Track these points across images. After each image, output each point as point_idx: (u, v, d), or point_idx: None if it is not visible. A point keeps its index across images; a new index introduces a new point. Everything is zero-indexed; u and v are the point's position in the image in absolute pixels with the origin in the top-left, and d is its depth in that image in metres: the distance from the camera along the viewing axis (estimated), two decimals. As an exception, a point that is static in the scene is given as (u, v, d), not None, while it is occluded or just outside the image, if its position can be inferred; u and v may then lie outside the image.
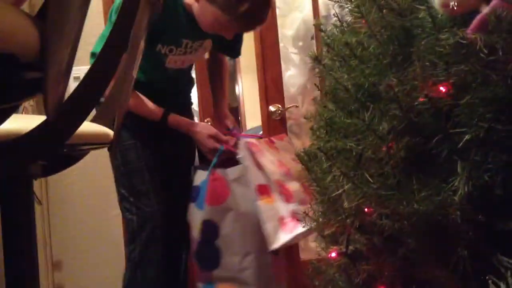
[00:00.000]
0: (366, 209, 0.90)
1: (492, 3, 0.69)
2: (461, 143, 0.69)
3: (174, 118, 1.60)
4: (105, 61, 0.82)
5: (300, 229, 1.35)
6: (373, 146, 0.83)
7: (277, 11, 2.41)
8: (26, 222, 0.95)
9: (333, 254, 0.96)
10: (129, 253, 1.57)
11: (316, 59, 1.04)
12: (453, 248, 0.75)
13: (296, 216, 1.44)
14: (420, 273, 0.83)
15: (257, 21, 1.44)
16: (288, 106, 2.44)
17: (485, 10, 0.69)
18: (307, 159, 1.07)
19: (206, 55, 1.87)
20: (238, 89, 5.62)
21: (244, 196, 1.57)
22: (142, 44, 1.03)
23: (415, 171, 0.76)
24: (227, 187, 1.59)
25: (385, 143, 0.80)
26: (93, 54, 1.53)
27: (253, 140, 1.64)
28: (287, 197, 1.53)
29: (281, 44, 2.41)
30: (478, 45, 0.66)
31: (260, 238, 1.49)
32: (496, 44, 0.66)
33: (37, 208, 2.08)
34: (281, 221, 1.46)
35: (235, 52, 1.80)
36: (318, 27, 1.04)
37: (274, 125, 2.41)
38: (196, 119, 2.31)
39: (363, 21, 0.97)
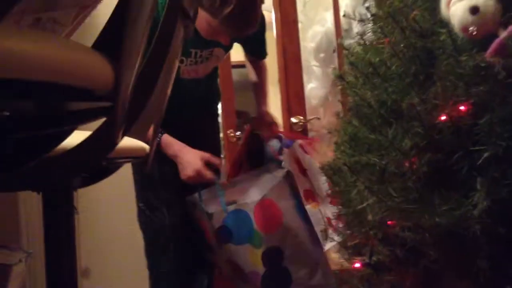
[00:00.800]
0: (389, 222, 0.94)
1: (509, 28, 0.73)
2: (480, 160, 0.73)
3: (167, 139, 1.55)
4: (144, 80, 0.88)
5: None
6: (396, 162, 0.87)
7: (299, 25, 2.46)
8: (67, 232, 1.01)
9: (357, 265, 1.00)
10: (147, 263, 1.63)
11: (340, 77, 1.09)
12: (473, 260, 0.79)
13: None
14: (441, 284, 0.86)
15: (245, 24, 1.43)
16: (310, 117, 2.48)
17: (503, 34, 0.73)
18: (331, 172, 1.11)
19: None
20: (258, 100, 5.67)
21: (290, 209, 1.55)
22: (176, 63, 1.09)
23: (436, 186, 0.80)
24: (278, 209, 1.54)
25: (408, 159, 0.84)
26: None
27: (299, 141, 1.69)
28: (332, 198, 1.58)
29: (302, 57, 2.46)
30: (496, 68, 0.69)
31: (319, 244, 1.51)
32: (513, 67, 0.70)
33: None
34: (329, 222, 1.51)
35: (259, 53, 1.83)
36: (341, 45, 1.08)
37: (296, 137, 2.45)
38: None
39: (386, 41, 1.01)
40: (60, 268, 1.08)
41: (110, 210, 2.35)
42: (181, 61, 1.58)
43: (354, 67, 1.05)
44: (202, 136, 1.74)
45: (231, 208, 1.53)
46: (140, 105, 0.91)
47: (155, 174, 1.59)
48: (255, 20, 1.44)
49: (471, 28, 0.75)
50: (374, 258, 1.00)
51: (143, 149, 1.06)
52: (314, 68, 2.78)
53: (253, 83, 1.93)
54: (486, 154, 0.73)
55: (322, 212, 1.54)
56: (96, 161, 0.92)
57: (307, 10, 2.62)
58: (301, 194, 1.56)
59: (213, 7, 1.37)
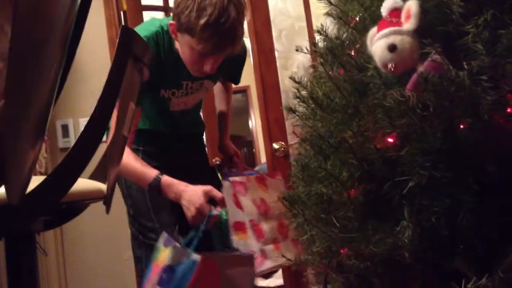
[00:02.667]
0: (341, 251, 0.97)
1: (425, 64, 0.77)
2: (405, 189, 0.77)
3: (166, 180, 1.51)
4: (96, 123, 0.93)
5: (267, 264, 1.43)
6: (337, 192, 0.91)
7: (276, 53, 2.52)
8: (30, 274, 1.04)
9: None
10: None
11: (291, 109, 1.13)
12: (411, 286, 0.81)
13: (264, 254, 1.50)
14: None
15: (224, 35, 1.40)
16: (292, 143, 2.52)
17: (419, 69, 0.77)
18: (288, 204, 1.14)
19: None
20: (251, 124, 5.74)
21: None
22: (132, 106, 1.14)
23: (371, 215, 0.84)
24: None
25: (346, 189, 0.88)
26: None
27: (239, 179, 1.68)
28: (258, 235, 1.59)
29: (285, 82, 2.51)
30: (411, 102, 0.74)
31: None
32: (427, 101, 0.74)
33: (53, 261, 2.19)
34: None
35: (235, 78, 1.91)
36: (293, 79, 1.12)
37: (279, 162, 2.49)
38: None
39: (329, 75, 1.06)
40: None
41: (95, 245, 2.37)
42: (173, 93, 1.62)
43: (301, 101, 1.09)
44: (195, 168, 1.78)
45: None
46: (93, 148, 0.96)
47: (146, 200, 1.61)
48: (234, 32, 1.42)
49: (389, 65, 0.79)
50: (329, 286, 1.03)
51: (100, 191, 1.10)
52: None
53: (219, 112, 1.99)
54: (410, 184, 0.76)
55: (249, 244, 1.53)
56: (49, 207, 0.96)
57: (282, 39, 2.69)
58: (232, 225, 1.51)
59: (190, 21, 1.39)
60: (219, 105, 2.04)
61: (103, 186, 1.13)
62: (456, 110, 0.74)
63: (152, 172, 1.50)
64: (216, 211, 1.48)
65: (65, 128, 2.25)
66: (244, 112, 5.73)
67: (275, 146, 2.48)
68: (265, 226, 1.61)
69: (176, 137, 1.74)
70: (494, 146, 0.73)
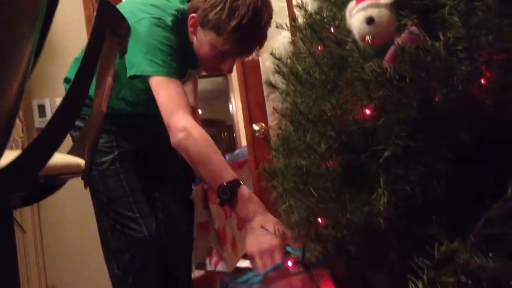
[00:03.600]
0: (320, 220, 0.99)
1: (402, 36, 0.79)
2: (382, 159, 0.78)
3: (245, 192, 1.23)
4: (73, 98, 0.92)
5: (221, 266, 1.42)
6: (316, 164, 0.92)
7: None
8: (8, 250, 1.03)
9: (290, 263, 1.05)
10: (119, 284, 1.54)
11: (271, 85, 1.14)
12: (386, 254, 0.84)
13: (221, 255, 1.48)
14: (364, 278, 0.91)
15: (250, 39, 1.33)
16: (271, 124, 2.53)
17: (397, 41, 0.79)
18: (268, 177, 1.15)
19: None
20: (231, 108, 5.72)
21: None
22: (110, 80, 1.13)
23: (349, 185, 0.85)
24: None
25: (324, 161, 0.89)
26: (66, 80, 1.60)
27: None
28: (221, 242, 1.56)
29: (266, 64, 2.51)
30: (389, 73, 0.75)
31: None
32: (404, 72, 0.75)
33: (31, 238, 2.17)
34: (210, 251, 1.51)
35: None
36: (273, 55, 1.13)
37: (259, 143, 2.51)
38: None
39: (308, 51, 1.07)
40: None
41: (74, 225, 2.36)
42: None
43: (281, 76, 1.10)
44: (170, 158, 1.73)
45: None
46: (70, 121, 0.95)
47: (123, 185, 1.54)
48: (263, 36, 1.35)
49: (367, 38, 0.81)
50: (307, 255, 1.05)
51: (79, 165, 1.10)
52: (277, 76, 2.85)
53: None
54: (386, 153, 0.78)
55: (209, 241, 1.50)
56: (27, 179, 0.95)
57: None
58: (196, 225, 1.47)
59: (220, 20, 1.33)
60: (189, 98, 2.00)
61: (81, 161, 1.12)
62: (432, 80, 0.76)
63: (231, 172, 1.27)
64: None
65: (41, 108, 2.21)
66: (224, 96, 5.70)
67: (255, 127, 2.49)
68: (228, 229, 1.59)
69: (155, 120, 1.71)
70: (468, 116, 0.75)
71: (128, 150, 1.61)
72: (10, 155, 0.83)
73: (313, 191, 0.91)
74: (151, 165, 1.71)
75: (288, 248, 1.16)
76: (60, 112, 0.88)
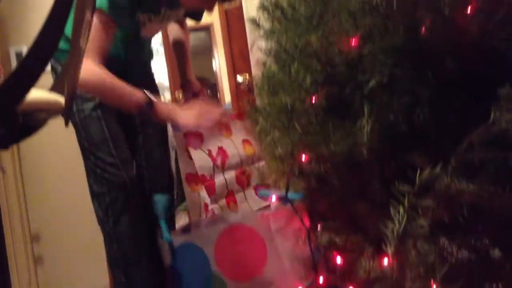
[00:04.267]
0: (302, 156, 1.00)
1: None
2: (367, 89, 0.79)
3: (161, 105, 1.43)
4: (47, 33, 0.89)
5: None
6: (301, 99, 0.92)
7: (239, -18, 2.45)
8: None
9: (273, 199, 1.06)
10: (102, 226, 1.57)
11: (255, 23, 1.12)
12: (368, 183, 0.85)
13: (214, 213, 1.45)
14: (345, 208, 0.93)
15: None
16: (255, 74, 2.51)
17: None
18: (255, 118, 1.15)
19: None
20: (215, 65, 5.64)
21: (285, 249, 1.08)
22: (88, 16, 1.09)
23: (333, 118, 0.86)
24: (261, 242, 1.08)
25: (309, 95, 0.89)
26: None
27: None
28: (209, 191, 1.49)
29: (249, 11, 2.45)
30: (375, 1, 0.74)
31: None
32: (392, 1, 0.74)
33: (12, 182, 2.15)
34: (205, 207, 1.48)
35: (200, 16, 1.79)
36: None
37: (243, 96, 2.49)
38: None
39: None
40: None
41: (57, 173, 2.34)
42: (149, 19, 1.53)
43: (266, 12, 1.08)
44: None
45: (178, 240, 1.12)
46: (47, 55, 0.93)
47: (103, 130, 1.54)
48: None
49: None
50: (291, 191, 1.06)
51: (58, 102, 1.07)
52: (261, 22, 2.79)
53: (177, 41, 1.87)
54: (371, 83, 0.78)
55: (201, 196, 1.42)
56: (5, 114, 0.93)
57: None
58: (184, 176, 1.39)
59: None
60: (176, 33, 1.90)
61: (61, 98, 1.10)
62: (419, 8, 0.75)
63: (140, 92, 1.43)
64: None
65: (19, 56, 2.15)
66: (207, 52, 5.60)
67: (239, 79, 2.46)
68: (219, 180, 1.49)
69: (135, 64, 1.67)
70: (453, 43, 0.75)
71: None
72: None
73: (296, 126, 0.91)
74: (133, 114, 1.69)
75: (262, 191, 1.19)
76: (37, 44, 0.85)
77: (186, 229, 1.31)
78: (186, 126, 1.41)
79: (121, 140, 1.59)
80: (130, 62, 1.63)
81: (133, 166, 1.59)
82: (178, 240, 1.07)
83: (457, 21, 0.75)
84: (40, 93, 1.05)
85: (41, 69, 0.91)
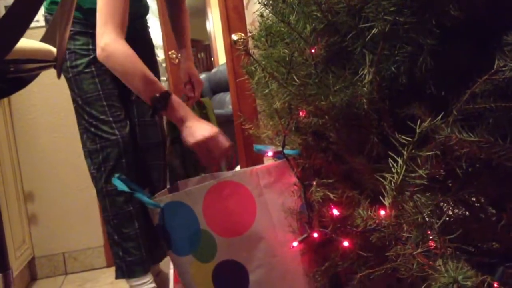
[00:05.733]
0: (300, 112, 0.98)
1: None
2: (368, 37, 0.76)
3: (177, 99, 1.35)
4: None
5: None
6: (300, 50, 0.89)
7: None
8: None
9: (269, 154, 1.05)
10: (95, 183, 1.57)
11: (253, -28, 1.08)
12: (366, 136, 0.84)
13: None
14: (343, 163, 0.92)
15: None
16: (250, 34, 2.45)
17: None
18: (251, 68, 1.12)
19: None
20: (208, 25, 5.53)
21: (275, 205, 1.07)
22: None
23: (333, 69, 0.83)
24: (249, 198, 1.05)
25: (308, 45, 0.86)
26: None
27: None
28: None
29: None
30: None
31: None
32: None
33: (4, 140, 2.12)
34: None
35: None
36: None
37: (238, 57, 2.43)
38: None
39: None
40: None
41: (49, 132, 2.32)
42: None
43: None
44: (143, 53, 1.71)
45: (165, 199, 1.07)
46: (34, 4, 0.89)
47: (97, 87, 1.53)
48: None
49: None
50: (287, 147, 1.05)
51: (50, 52, 1.04)
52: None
53: (174, 14, 1.85)
54: (374, 31, 0.75)
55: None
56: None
57: None
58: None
59: None
60: (177, 18, 1.88)
61: (53, 49, 1.06)
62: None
63: (161, 84, 1.37)
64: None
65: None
66: (201, 13, 5.50)
67: (234, 37, 2.40)
68: None
69: (131, 19, 1.64)
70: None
71: None
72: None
73: (295, 78, 0.89)
74: None
75: (258, 146, 1.18)
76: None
77: (174, 189, 1.30)
78: (192, 148, 1.31)
79: (114, 98, 1.58)
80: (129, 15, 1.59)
81: (126, 124, 1.58)
82: (165, 200, 1.06)
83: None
84: (30, 42, 1.02)
85: (30, 18, 0.88)
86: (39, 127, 2.27)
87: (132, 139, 1.59)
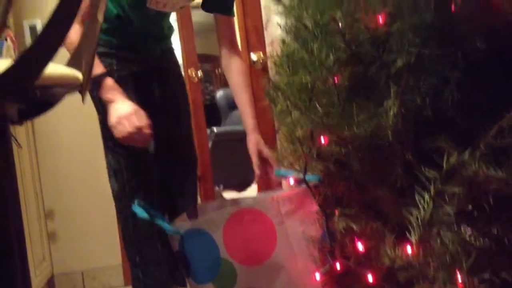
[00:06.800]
0: (321, 138, 0.97)
1: None
2: (394, 69, 0.75)
3: (110, 82, 1.40)
4: (64, 6, 0.87)
5: None
6: (322, 78, 0.89)
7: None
8: (6, 165, 1.00)
9: (291, 182, 1.04)
10: (118, 203, 1.54)
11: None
12: (390, 168, 0.83)
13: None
14: (366, 193, 0.91)
15: None
16: (270, 53, 2.45)
17: None
18: (273, 94, 1.11)
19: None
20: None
21: (295, 233, 1.06)
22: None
23: (356, 99, 0.82)
24: (269, 226, 1.04)
25: (331, 74, 0.86)
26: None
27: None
28: None
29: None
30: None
31: None
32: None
33: (26, 158, 2.16)
34: None
35: (226, 7, 1.62)
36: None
37: (256, 75, 2.43)
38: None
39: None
40: (5, 205, 1.08)
41: (71, 149, 2.34)
42: None
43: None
44: (168, 74, 1.69)
45: (185, 226, 1.08)
46: (66, 27, 0.90)
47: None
48: None
49: None
50: (308, 173, 1.04)
51: (77, 78, 1.05)
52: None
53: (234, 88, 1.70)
54: (399, 62, 0.75)
55: None
56: (23, 88, 0.91)
57: None
58: None
59: None
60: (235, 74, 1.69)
61: (79, 74, 1.08)
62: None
63: (101, 67, 1.41)
64: None
65: (33, 29, 2.13)
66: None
67: (254, 57, 2.41)
68: None
69: (153, 37, 1.62)
70: (484, 21, 0.71)
71: (129, 74, 1.56)
72: (3, 64, 0.79)
73: (318, 106, 0.88)
74: (152, 88, 1.67)
75: (281, 171, 1.17)
76: (55, 18, 0.83)
77: (193, 214, 1.29)
78: (110, 124, 1.37)
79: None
80: (145, 32, 1.58)
81: (151, 143, 1.56)
82: (185, 226, 1.07)
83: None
84: (57, 68, 1.04)
85: (59, 43, 0.89)
86: (61, 146, 2.30)
87: (158, 156, 1.59)
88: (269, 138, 2.12)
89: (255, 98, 2.46)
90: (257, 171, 1.47)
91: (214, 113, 4.16)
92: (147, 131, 1.34)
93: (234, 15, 1.66)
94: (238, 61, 1.66)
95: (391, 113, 0.75)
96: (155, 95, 1.68)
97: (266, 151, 1.45)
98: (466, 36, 0.71)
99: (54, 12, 0.82)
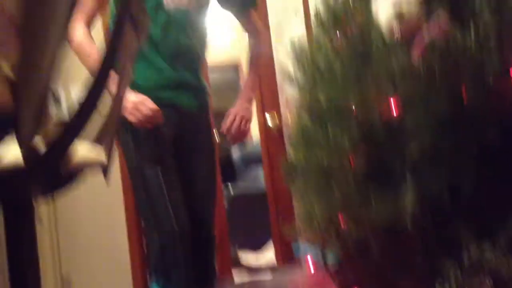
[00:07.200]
0: (340, 218, 0.97)
1: (430, 27, 0.76)
2: (409, 159, 0.76)
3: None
4: (92, 91, 0.91)
5: None
6: (338, 159, 0.90)
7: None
8: (31, 244, 1.01)
9: (311, 267, 1.03)
10: (148, 234, 1.55)
11: (290, 78, 1.12)
12: (409, 255, 0.82)
13: None
14: (386, 278, 0.90)
15: None
16: (285, 115, 2.47)
17: (426, 36, 0.76)
18: (290, 173, 1.12)
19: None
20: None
21: None
22: (128, 67, 1.10)
23: (372, 182, 0.83)
24: None
25: (347, 157, 0.88)
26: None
27: None
28: None
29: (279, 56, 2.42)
30: (420, 67, 0.73)
31: None
32: (434, 67, 0.73)
33: (45, 223, 2.18)
34: None
35: (239, 4, 1.59)
36: (293, 44, 1.11)
37: (271, 137, 2.44)
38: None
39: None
40: (25, 280, 1.09)
41: (89, 220, 2.36)
42: None
43: (302, 69, 1.08)
44: (197, 132, 1.57)
45: None
46: (88, 114, 0.94)
47: (140, 134, 1.47)
48: None
49: (395, 29, 0.78)
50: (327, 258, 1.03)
51: (101, 162, 1.08)
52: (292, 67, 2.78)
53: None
54: (414, 153, 0.76)
55: None
56: (51, 176, 0.95)
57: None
58: None
59: None
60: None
61: (103, 156, 1.11)
62: (461, 76, 0.73)
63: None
64: None
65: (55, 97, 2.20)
66: (234, 89, 5.63)
67: (269, 123, 2.41)
68: None
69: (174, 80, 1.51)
70: (496, 114, 0.73)
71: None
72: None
73: (334, 187, 0.89)
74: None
75: (297, 251, 1.15)
76: (83, 106, 0.86)
77: None
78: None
79: (172, 187, 1.48)
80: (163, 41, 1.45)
81: (184, 210, 1.54)
82: None
83: (500, 90, 0.73)
84: (84, 149, 1.06)
85: (83, 127, 0.92)
86: (81, 213, 2.32)
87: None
88: (286, 210, 2.13)
89: (270, 156, 2.46)
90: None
91: (229, 169, 4.15)
92: (159, 114, 1.41)
93: (250, 8, 1.62)
94: (255, 44, 1.64)
95: (409, 203, 0.75)
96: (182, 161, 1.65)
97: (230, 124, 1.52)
98: (478, 127, 0.73)
99: (82, 105, 0.86)
